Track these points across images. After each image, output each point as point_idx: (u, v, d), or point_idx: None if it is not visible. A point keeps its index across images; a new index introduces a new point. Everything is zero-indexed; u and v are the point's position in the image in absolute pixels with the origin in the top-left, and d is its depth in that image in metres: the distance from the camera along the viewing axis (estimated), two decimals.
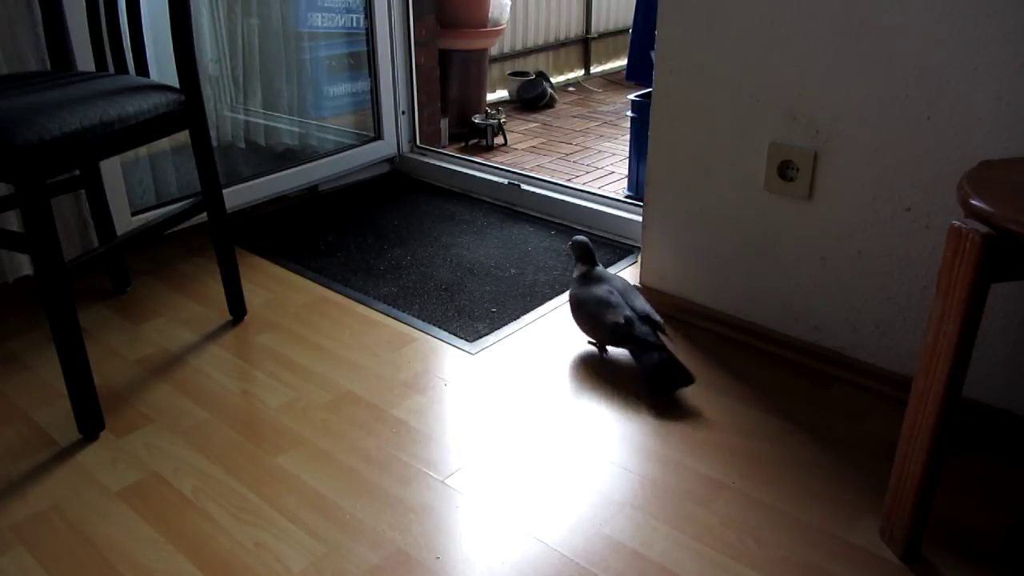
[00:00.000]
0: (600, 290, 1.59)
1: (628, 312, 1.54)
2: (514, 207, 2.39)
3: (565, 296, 1.88)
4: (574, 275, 1.67)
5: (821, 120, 1.46)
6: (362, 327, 1.77)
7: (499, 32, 3.34)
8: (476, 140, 3.20)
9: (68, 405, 1.45)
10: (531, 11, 4.04)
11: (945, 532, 1.19)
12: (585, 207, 2.24)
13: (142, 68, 1.62)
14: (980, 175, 1.05)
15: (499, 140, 3.21)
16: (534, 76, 3.80)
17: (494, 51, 3.76)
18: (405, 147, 2.70)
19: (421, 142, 2.74)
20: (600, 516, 1.24)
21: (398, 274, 1.99)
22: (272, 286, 1.95)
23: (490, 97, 3.70)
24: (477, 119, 3.14)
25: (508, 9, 3.40)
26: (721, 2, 1.51)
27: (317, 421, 1.46)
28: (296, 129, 2.59)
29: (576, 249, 1.66)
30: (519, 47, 4.04)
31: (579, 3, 4.29)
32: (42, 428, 1.45)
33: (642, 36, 2.60)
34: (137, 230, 1.54)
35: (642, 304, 1.58)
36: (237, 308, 1.79)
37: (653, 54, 1.65)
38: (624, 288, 1.61)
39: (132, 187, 2.11)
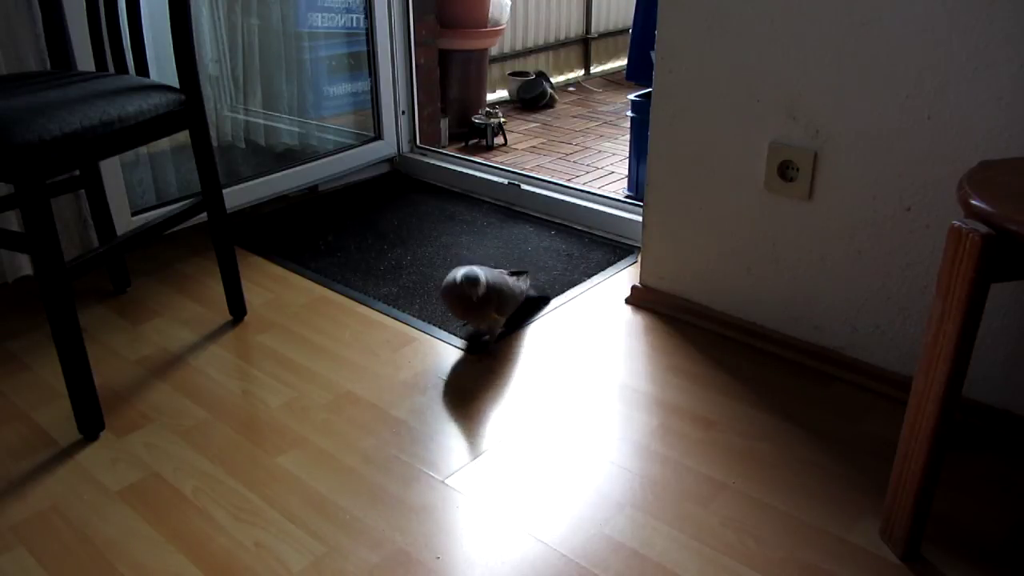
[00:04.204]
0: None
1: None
2: (514, 207, 2.39)
3: (566, 296, 1.88)
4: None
5: (821, 120, 1.46)
6: (362, 327, 1.77)
7: (499, 32, 3.34)
8: (476, 140, 3.19)
9: (68, 405, 1.45)
10: (531, 11, 4.04)
11: (945, 532, 1.19)
12: (585, 207, 2.24)
13: (142, 68, 1.62)
14: (980, 175, 1.05)
15: (499, 140, 3.21)
16: (534, 76, 3.80)
17: (494, 51, 3.76)
18: (405, 147, 2.70)
19: (421, 142, 2.74)
20: (600, 516, 1.24)
21: (398, 274, 1.99)
22: (272, 286, 1.95)
23: (490, 97, 3.70)
24: (477, 119, 3.14)
25: (508, 9, 3.40)
26: (721, 2, 1.51)
27: (317, 421, 1.46)
28: (296, 129, 2.59)
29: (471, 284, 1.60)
30: (519, 47, 4.04)
31: (579, 3, 4.29)
32: (42, 428, 1.45)
33: (642, 36, 2.60)
34: (137, 230, 1.54)
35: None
36: (237, 308, 1.79)
37: (653, 54, 1.65)
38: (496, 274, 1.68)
39: (132, 187, 2.11)
